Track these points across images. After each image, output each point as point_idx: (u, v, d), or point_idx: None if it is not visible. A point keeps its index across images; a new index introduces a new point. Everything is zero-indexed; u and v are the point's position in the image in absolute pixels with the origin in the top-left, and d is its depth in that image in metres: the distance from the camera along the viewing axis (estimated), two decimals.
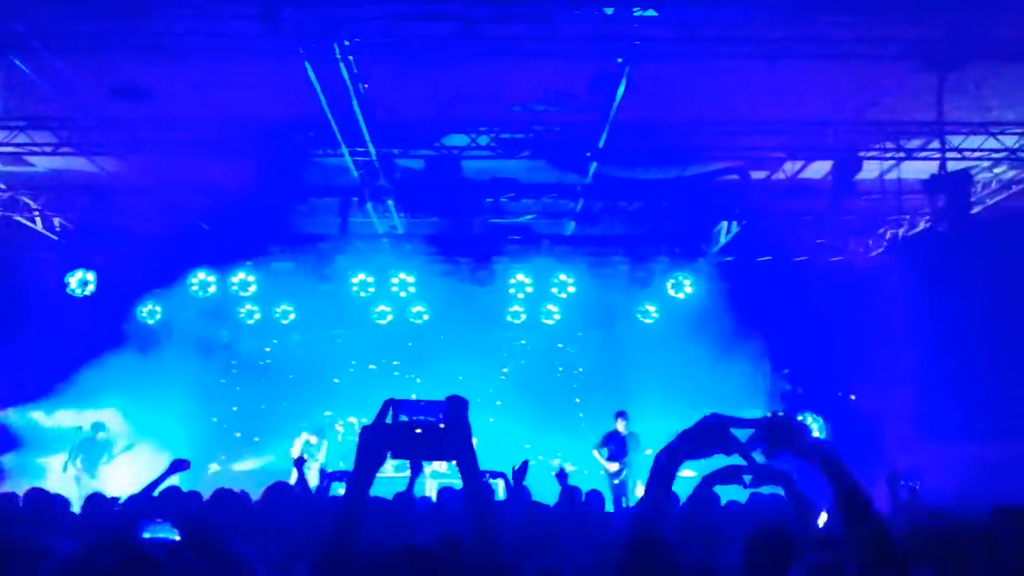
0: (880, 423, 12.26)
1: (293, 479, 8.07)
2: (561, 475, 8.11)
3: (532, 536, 3.96)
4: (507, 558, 2.52)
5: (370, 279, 14.34)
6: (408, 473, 6.59)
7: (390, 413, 2.52)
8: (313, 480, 10.09)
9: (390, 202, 12.29)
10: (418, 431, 2.50)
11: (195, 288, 14.26)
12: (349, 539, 2.37)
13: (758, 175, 11.94)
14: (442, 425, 2.50)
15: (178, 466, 6.20)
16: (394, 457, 2.54)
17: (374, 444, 2.49)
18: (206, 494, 6.17)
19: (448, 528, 3.94)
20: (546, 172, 11.52)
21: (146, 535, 2.83)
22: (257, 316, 14.80)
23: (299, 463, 8.37)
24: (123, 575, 2.51)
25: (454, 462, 2.52)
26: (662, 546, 2.42)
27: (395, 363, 15.56)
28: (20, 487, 7.14)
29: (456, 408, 2.53)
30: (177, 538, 2.78)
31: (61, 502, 6.08)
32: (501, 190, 11.81)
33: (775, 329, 13.28)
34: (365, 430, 2.52)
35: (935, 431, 11.74)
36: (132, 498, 5.93)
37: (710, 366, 13.36)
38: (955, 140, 10.71)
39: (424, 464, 13.41)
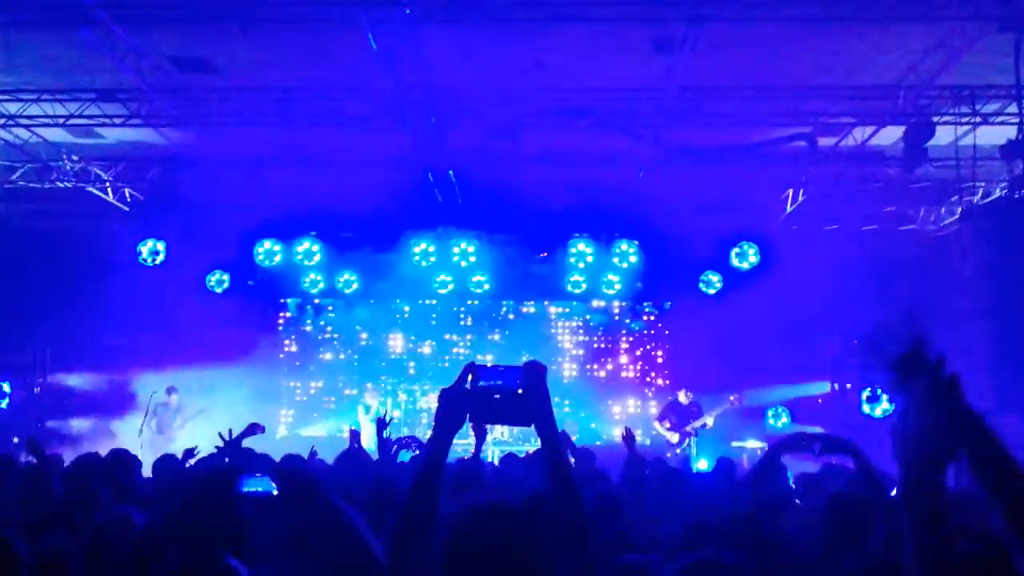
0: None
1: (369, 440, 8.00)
2: (628, 438, 8.04)
3: (604, 501, 3.97)
4: (588, 520, 2.51)
5: (431, 248, 14.46)
6: (471, 440, 6.61)
7: (470, 378, 2.53)
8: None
9: (450, 172, 12.31)
10: (497, 396, 2.50)
11: (261, 258, 14.57)
12: (430, 503, 2.38)
13: (826, 142, 11.64)
14: (520, 391, 2.50)
15: (253, 429, 6.29)
16: (472, 421, 2.55)
17: (453, 408, 2.50)
18: (276, 458, 6.29)
19: (523, 490, 3.95)
20: (610, 140, 11.38)
21: (245, 489, 2.88)
22: (321, 285, 15.07)
23: (379, 430, 8.36)
24: (224, 529, 2.57)
25: (529, 427, 2.52)
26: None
27: (452, 337, 15.58)
28: (96, 450, 7.31)
29: (534, 373, 2.53)
30: (275, 492, 2.81)
31: (139, 464, 6.25)
32: (561, 160, 11.71)
33: (843, 298, 12.98)
34: (444, 393, 2.53)
35: (1004, 405, 11.40)
36: (209, 457, 6.05)
37: (773, 336, 13.17)
38: None
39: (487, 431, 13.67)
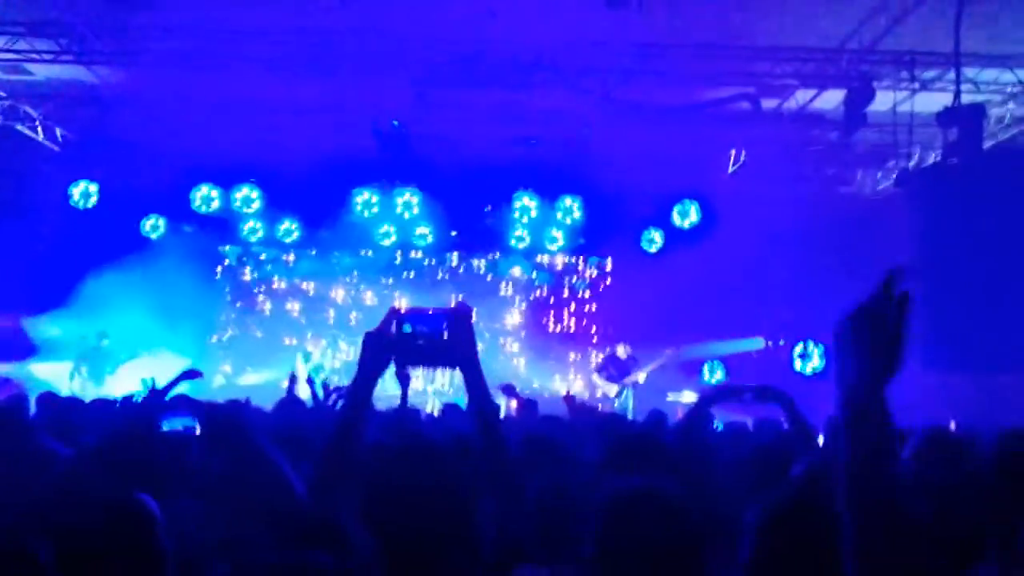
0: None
1: (305, 393, 8.02)
2: (569, 399, 8.17)
3: (539, 446, 4.01)
4: (514, 465, 2.54)
5: (374, 199, 14.33)
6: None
7: (394, 322, 2.52)
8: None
9: (395, 122, 12.14)
10: (421, 341, 2.50)
11: (198, 203, 14.26)
12: (352, 440, 2.39)
13: (769, 103, 11.75)
14: (446, 334, 2.49)
15: (190, 374, 6.22)
16: (397, 365, 2.54)
17: (377, 351, 2.50)
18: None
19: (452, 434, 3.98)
20: (557, 96, 11.32)
21: (166, 426, 2.85)
22: (260, 234, 14.84)
23: (309, 382, 8.35)
24: (143, 465, 2.55)
25: (457, 371, 2.52)
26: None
27: (395, 289, 15.52)
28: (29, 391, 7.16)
29: (460, 317, 2.52)
30: (198, 429, 2.79)
31: (74, 403, 6.15)
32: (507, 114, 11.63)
33: (779, 258, 13.23)
34: (368, 336, 2.52)
35: (937, 362, 11.77)
36: (144, 399, 5.98)
37: (711, 293, 13.39)
38: (970, 72, 10.51)
39: (426, 383, 13.72)
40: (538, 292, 15.71)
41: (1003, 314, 12.06)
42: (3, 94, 12.27)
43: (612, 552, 2.16)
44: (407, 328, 2.51)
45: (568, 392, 8.44)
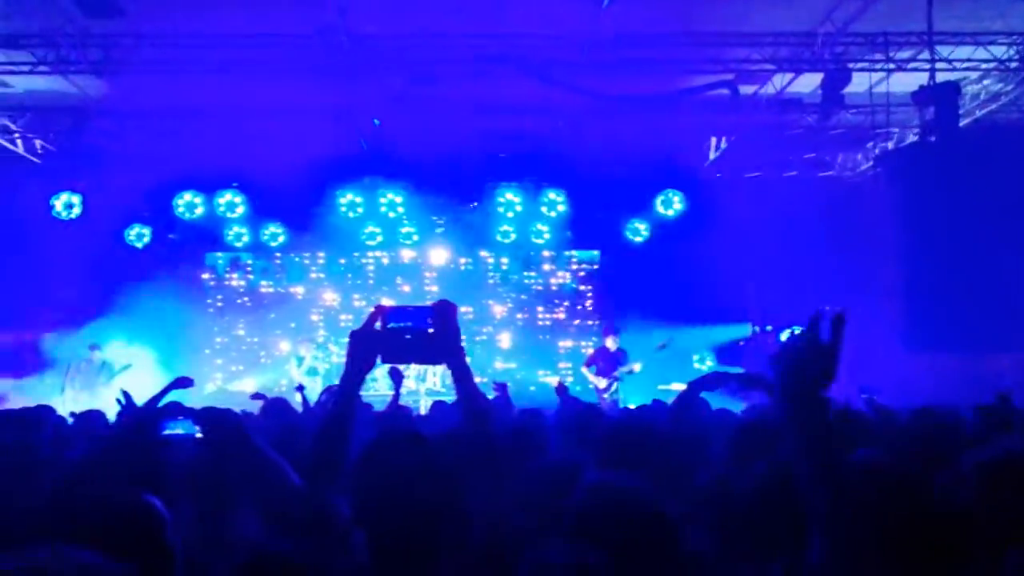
0: (865, 335, 12.42)
1: (298, 400, 8.05)
2: (560, 389, 8.20)
3: (528, 438, 4.06)
4: (504, 456, 2.58)
5: (358, 199, 14.34)
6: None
7: (379, 320, 2.55)
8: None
9: (376, 121, 12.15)
10: (407, 336, 2.53)
11: (181, 210, 14.24)
12: (342, 437, 2.43)
13: (747, 90, 11.82)
14: (431, 330, 2.52)
15: (181, 382, 6.21)
16: (384, 362, 2.58)
17: (363, 349, 2.53)
18: None
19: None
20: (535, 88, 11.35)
21: (167, 431, 2.87)
22: (246, 239, 14.82)
23: (299, 389, 8.37)
24: (146, 468, 2.59)
25: (445, 368, 2.56)
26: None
27: (383, 288, 15.51)
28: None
29: (445, 312, 2.55)
30: (198, 434, 2.82)
31: (59, 418, 6.14)
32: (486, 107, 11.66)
33: (763, 244, 13.32)
34: (354, 335, 2.55)
35: (919, 342, 11.88)
36: (135, 408, 5.96)
37: (697, 282, 13.47)
38: (944, 51, 10.61)
39: (418, 382, 13.74)
40: (526, 285, 15.72)
41: (986, 292, 12.17)
42: None
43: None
44: (390, 324, 2.55)
45: (560, 383, 8.46)
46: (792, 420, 1.99)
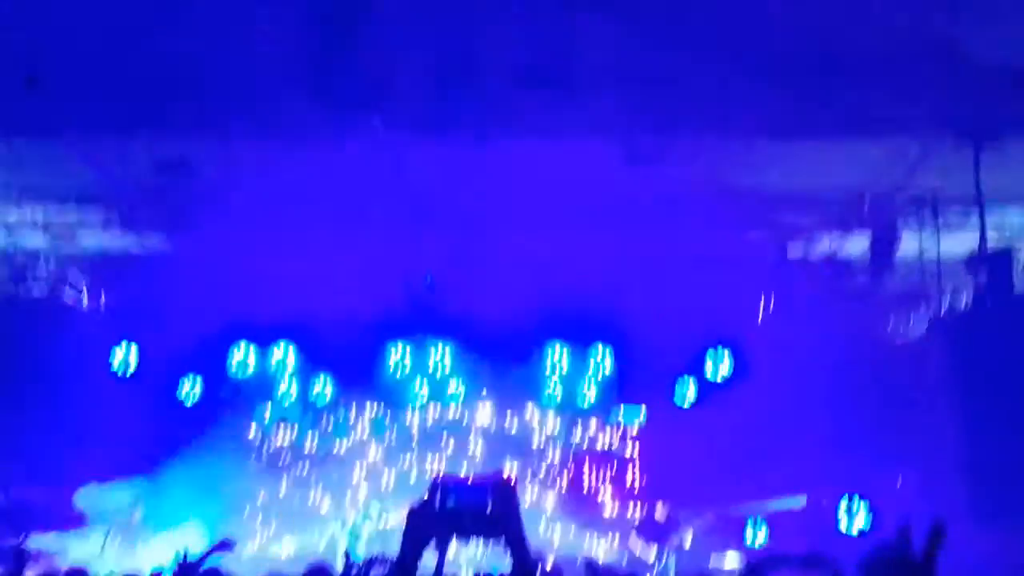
0: (921, 506, 11.86)
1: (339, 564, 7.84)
2: (591, 565, 7.92)
3: None
4: None
5: (407, 353, 14.43)
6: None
7: (438, 496, 2.48)
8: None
9: (428, 277, 12.42)
10: (466, 516, 2.45)
11: (235, 369, 14.44)
12: None
13: (797, 250, 11.91)
14: (490, 508, 2.45)
15: (223, 546, 6.12)
16: (442, 535, 2.49)
17: (421, 526, 2.46)
18: None
19: None
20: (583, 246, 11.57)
21: None
22: (294, 396, 14.87)
23: (347, 557, 8.18)
24: None
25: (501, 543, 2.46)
26: None
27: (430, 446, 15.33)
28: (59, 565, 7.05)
29: (504, 489, 2.49)
30: None
31: None
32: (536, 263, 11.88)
33: (817, 407, 12.99)
34: (412, 512, 2.49)
35: (986, 514, 11.32)
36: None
37: (750, 447, 13.11)
38: (994, 215, 10.64)
39: (460, 550, 13.33)
40: (572, 448, 15.42)
41: None
42: (52, 263, 12.71)
43: None
44: (451, 503, 2.48)
45: (589, 559, 8.16)
46: None
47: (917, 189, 10.40)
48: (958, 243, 10.91)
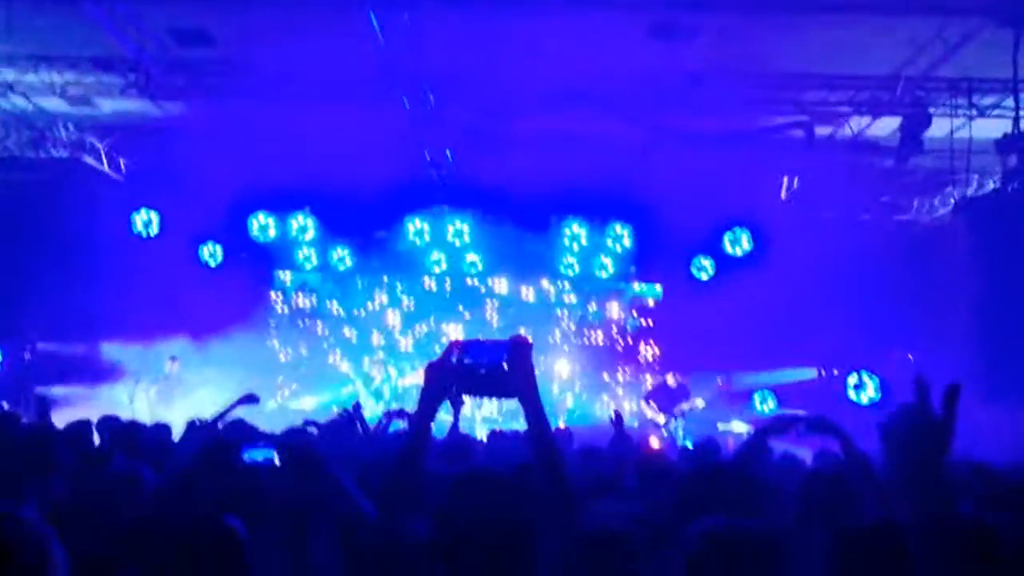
0: (936, 384, 12.06)
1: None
2: (617, 419, 8.16)
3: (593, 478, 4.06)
4: (574, 492, 2.58)
5: (426, 226, 14.53)
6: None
7: (455, 354, 2.58)
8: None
9: (448, 151, 12.32)
10: (482, 371, 2.55)
11: (256, 232, 14.62)
12: (415, 468, 2.46)
13: (823, 130, 11.69)
14: (505, 366, 2.54)
15: (248, 399, 6.33)
16: (458, 393, 2.60)
17: (439, 382, 2.57)
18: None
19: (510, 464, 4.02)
20: (605, 124, 11.37)
21: (247, 457, 2.94)
22: (314, 260, 15.13)
23: (356, 407, 8.45)
24: (228, 493, 2.65)
25: (515, 401, 2.57)
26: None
27: (446, 315, 15.61)
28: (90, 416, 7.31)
29: (519, 349, 2.58)
30: (277, 461, 2.88)
31: (138, 428, 6.30)
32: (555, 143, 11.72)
33: (833, 287, 13.07)
34: (431, 366, 2.59)
35: (992, 394, 11.52)
36: (202, 427, 6.08)
37: (765, 323, 13.27)
38: None
39: (475, 409, 13.76)
40: (588, 318, 15.69)
41: None
42: (71, 127, 12.68)
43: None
44: (467, 359, 2.57)
45: (616, 412, 8.42)
46: (906, 492, 1.94)
47: (953, 72, 10.09)
48: (990, 126, 10.67)
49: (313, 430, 6.67)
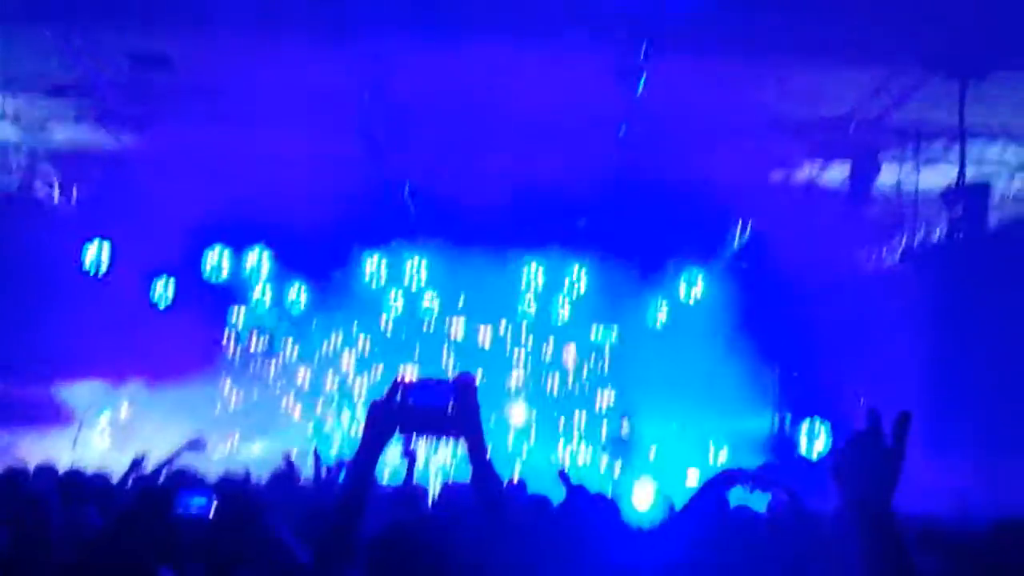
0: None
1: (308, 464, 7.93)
2: (563, 476, 8.07)
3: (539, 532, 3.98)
4: (515, 540, 2.55)
5: (383, 263, 14.44)
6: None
7: (399, 393, 2.55)
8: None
9: (407, 185, 12.34)
10: (427, 411, 2.52)
11: (209, 272, 14.37)
12: (354, 516, 2.39)
13: (775, 176, 11.92)
14: (451, 406, 2.52)
15: (194, 444, 6.19)
16: (402, 432, 2.55)
17: (382, 421, 2.52)
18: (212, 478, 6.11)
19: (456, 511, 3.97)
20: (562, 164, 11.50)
21: (182, 506, 2.87)
22: (268, 301, 14.89)
23: (316, 455, 8.27)
24: (162, 546, 2.56)
25: (462, 446, 2.54)
26: None
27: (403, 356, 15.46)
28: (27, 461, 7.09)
29: (464, 387, 2.55)
30: (211, 515, 2.82)
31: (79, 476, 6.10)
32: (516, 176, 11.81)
33: (786, 334, 13.22)
34: (374, 406, 2.55)
35: (940, 442, 11.64)
36: (142, 468, 5.91)
37: (718, 368, 13.34)
38: (974, 149, 10.67)
39: (430, 455, 13.56)
40: (544, 363, 15.63)
41: (1010, 394, 11.94)
42: (23, 154, 12.46)
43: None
44: (411, 400, 2.54)
45: (561, 471, 8.34)
46: (861, 529, 1.92)
47: (900, 120, 10.38)
48: (937, 176, 10.96)
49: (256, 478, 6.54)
